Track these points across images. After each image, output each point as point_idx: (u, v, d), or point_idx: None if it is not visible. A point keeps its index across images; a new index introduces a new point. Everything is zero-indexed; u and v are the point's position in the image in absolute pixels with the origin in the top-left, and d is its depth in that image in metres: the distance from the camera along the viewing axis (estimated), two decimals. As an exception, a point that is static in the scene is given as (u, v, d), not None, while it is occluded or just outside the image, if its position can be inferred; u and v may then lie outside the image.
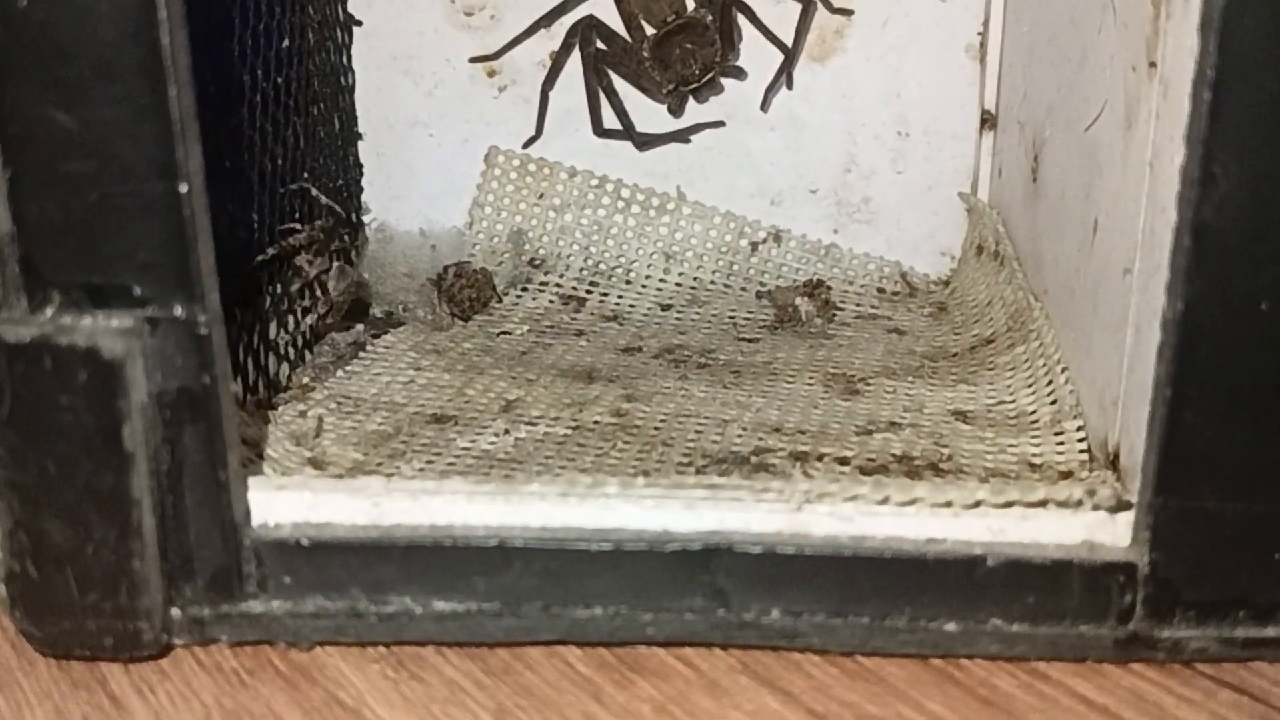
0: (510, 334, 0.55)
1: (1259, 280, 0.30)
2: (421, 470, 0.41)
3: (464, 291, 0.55)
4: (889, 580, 0.33)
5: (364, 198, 0.60)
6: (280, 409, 0.45)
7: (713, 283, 0.59)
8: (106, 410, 0.31)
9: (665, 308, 0.58)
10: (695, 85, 0.55)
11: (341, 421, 0.45)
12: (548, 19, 0.57)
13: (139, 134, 0.30)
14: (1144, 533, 0.32)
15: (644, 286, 0.59)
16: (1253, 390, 0.30)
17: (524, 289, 0.58)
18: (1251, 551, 0.32)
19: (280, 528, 0.34)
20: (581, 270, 0.59)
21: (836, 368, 0.50)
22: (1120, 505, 0.32)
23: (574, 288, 0.59)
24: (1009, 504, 0.32)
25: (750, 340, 0.54)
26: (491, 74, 0.59)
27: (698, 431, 0.44)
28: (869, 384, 0.49)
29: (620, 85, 0.57)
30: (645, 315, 0.57)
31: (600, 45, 0.56)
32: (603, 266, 0.60)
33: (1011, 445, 0.43)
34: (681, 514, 0.33)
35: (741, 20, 0.56)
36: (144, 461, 0.32)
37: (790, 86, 0.58)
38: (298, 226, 0.51)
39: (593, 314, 0.57)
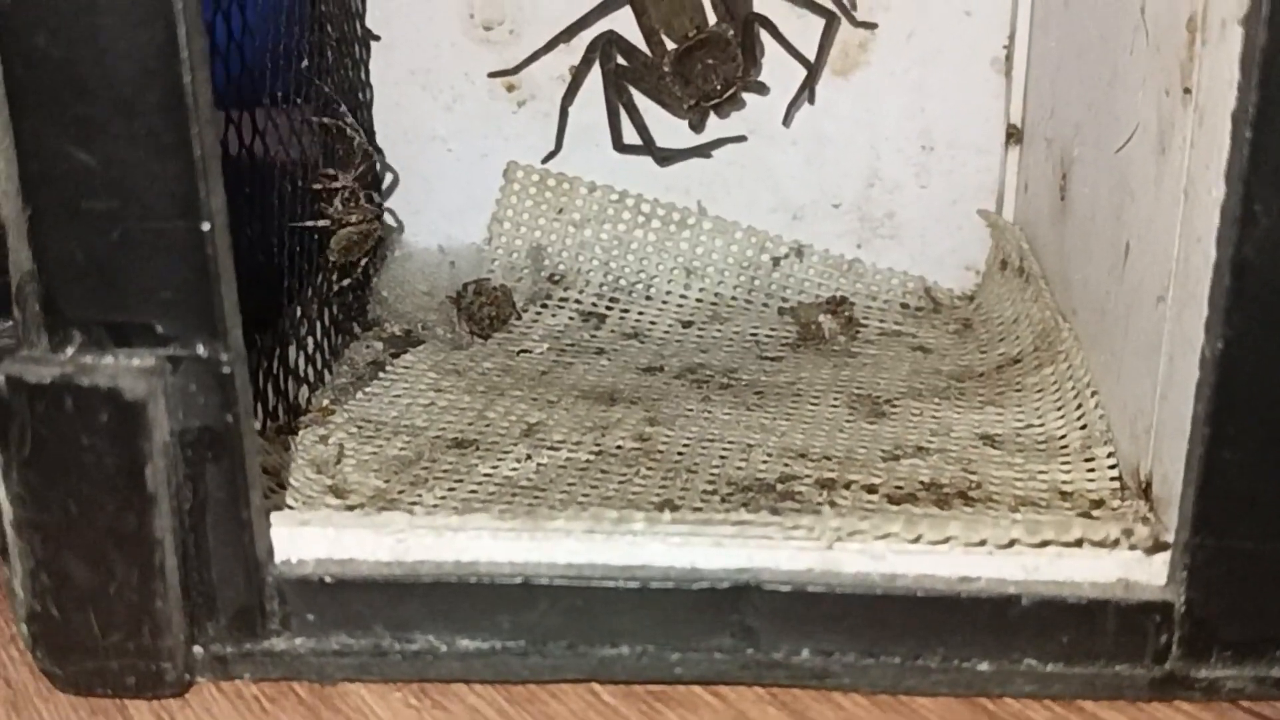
0: (530, 353, 0.54)
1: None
2: (443, 499, 0.41)
3: (484, 309, 0.55)
4: (921, 619, 0.33)
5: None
6: (301, 434, 0.45)
7: (734, 299, 0.59)
8: (128, 451, 0.31)
9: (686, 325, 0.57)
10: (717, 100, 0.54)
11: (362, 447, 0.45)
12: (567, 34, 0.56)
13: (160, 172, 0.30)
14: (1181, 572, 0.31)
15: (664, 303, 0.58)
16: (1292, 433, 0.30)
17: (543, 305, 0.58)
18: (1291, 591, 0.31)
19: (304, 564, 0.33)
20: (601, 286, 0.59)
21: (861, 388, 0.50)
22: (1158, 546, 0.31)
23: (594, 304, 0.58)
24: (1044, 543, 0.32)
25: (773, 359, 0.53)
26: (510, 89, 0.58)
27: (722, 457, 0.44)
28: (895, 406, 0.48)
29: (641, 100, 0.56)
30: (666, 333, 0.56)
31: (621, 61, 0.55)
32: (623, 282, 0.59)
33: (1041, 472, 0.42)
34: (709, 551, 0.33)
35: (764, 35, 0.56)
36: (166, 501, 0.31)
37: (813, 101, 0.57)
38: (331, 173, 0.50)
39: (613, 331, 0.56)
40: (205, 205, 0.30)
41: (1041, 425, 0.46)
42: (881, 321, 0.57)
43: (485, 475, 0.43)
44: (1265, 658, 0.32)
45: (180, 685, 0.33)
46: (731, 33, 0.54)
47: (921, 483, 0.42)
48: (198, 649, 0.33)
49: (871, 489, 0.41)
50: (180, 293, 0.31)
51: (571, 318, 0.57)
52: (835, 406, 0.48)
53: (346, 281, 0.52)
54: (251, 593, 0.33)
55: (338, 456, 0.43)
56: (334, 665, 0.34)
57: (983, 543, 0.32)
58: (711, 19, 0.55)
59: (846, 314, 0.55)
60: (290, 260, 0.47)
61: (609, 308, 0.58)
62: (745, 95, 0.57)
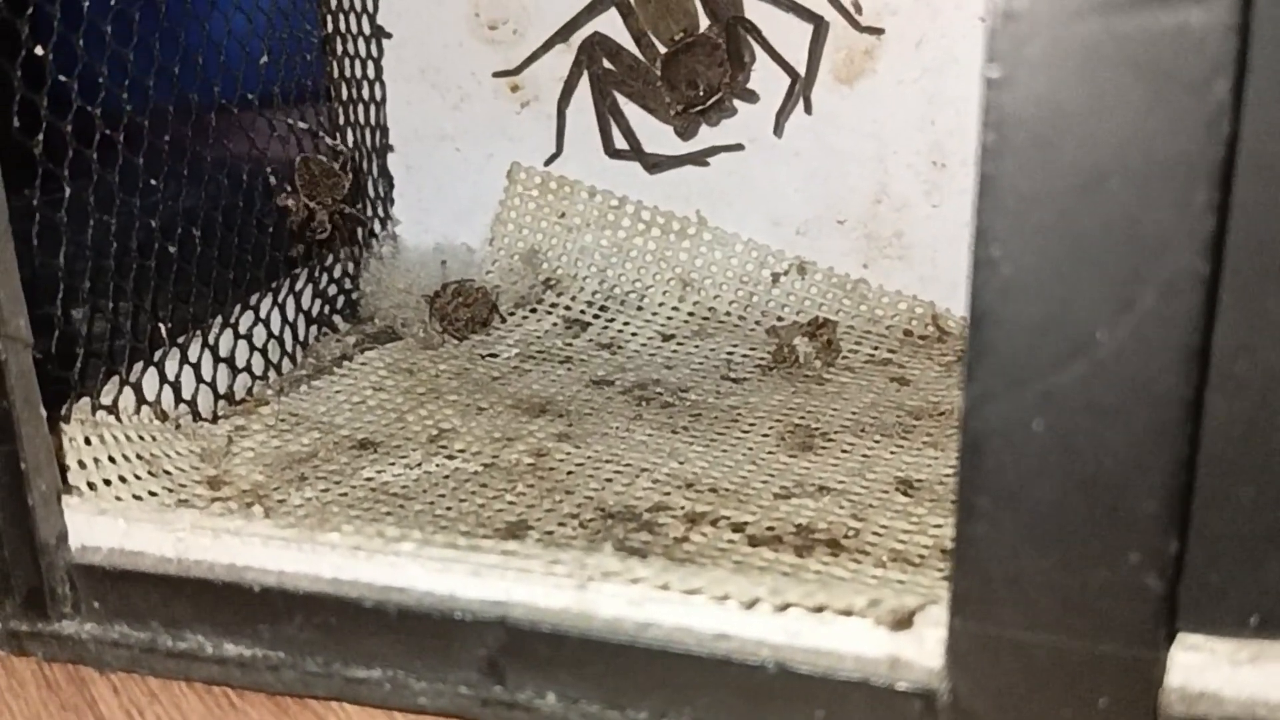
0: (496, 357, 0.53)
1: (1037, 390, 0.25)
2: (309, 499, 0.41)
3: (459, 310, 0.55)
4: (669, 676, 0.30)
5: (394, 210, 0.60)
6: (214, 424, 0.46)
7: (728, 314, 0.56)
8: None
9: (667, 338, 0.55)
10: (701, 106, 0.52)
11: (269, 440, 0.45)
12: (563, 34, 0.55)
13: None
14: (946, 656, 0.28)
15: (654, 314, 0.57)
16: (1048, 512, 0.26)
17: (531, 310, 0.57)
18: (1072, 693, 0.27)
19: (97, 552, 0.34)
20: (595, 294, 0.58)
21: (803, 419, 0.47)
22: (900, 623, 0.28)
23: (581, 312, 0.57)
24: (785, 606, 0.29)
25: (735, 380, 0.51)
26: (515, 89, 0.58)
27: (606, 480, 0.42)
28: (829, 440, 0.45)
29: (631, 106, 0.55)
30: (642, 346, 0.54)
31: (607, 64, 0.54)
32: (617, 290, 0.58)
33: (936, 526, 0.38)
34: (468, 580, 0.31)
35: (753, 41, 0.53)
36: (-56, 479, 0.33)
37: (809, 111, 0.54)
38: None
39: (590, 341, 0.55)
40: (-24, 198, 0.31)
41: (970, 474, 0.41)
42: (875, 349, 0.53)
43: (365, 479, 0.42)
44: (1048, 766, 0.28)
45: (-33, 655, 0.35)
46: (721, 37, 0.52)
47: (796, 525, 0.39)
48: (-2, 623, 0.35)
49: (739, 528, 0.39)
50: (-40, 280, 0.32)
51: (555, 324, 0.56)
52: (765, 436, 0.45)
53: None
54: (39, 576, 0.34)
55: (226, 448, 0.43)
56: (112, 655, 0.34)
57: (726, 598, 0.29)
58: (704, 23, 0.53)
59: (826, 337, 0.52)
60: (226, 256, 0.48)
61: (596, 316, 0.57)
62: (744, 104, 0.54)
